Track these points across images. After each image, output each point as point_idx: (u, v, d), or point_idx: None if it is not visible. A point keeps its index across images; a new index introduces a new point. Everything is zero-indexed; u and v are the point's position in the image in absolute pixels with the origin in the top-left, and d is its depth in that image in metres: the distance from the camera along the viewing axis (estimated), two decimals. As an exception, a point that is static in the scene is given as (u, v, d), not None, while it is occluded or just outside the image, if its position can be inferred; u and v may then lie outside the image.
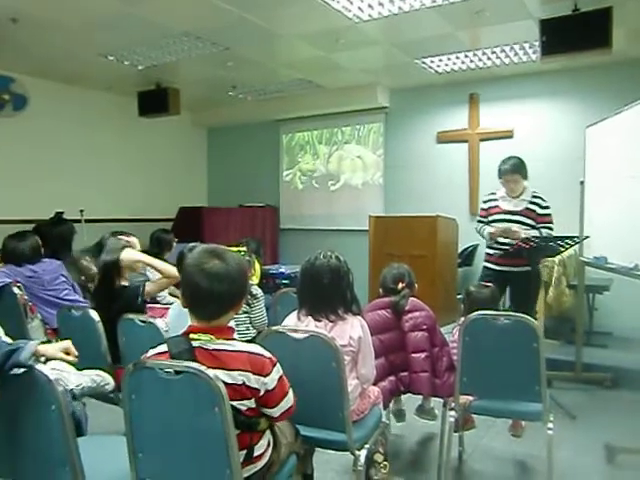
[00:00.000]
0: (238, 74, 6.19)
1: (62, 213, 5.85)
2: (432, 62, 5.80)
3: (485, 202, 4.40)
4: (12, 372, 1.71)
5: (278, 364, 1.77)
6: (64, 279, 3.65)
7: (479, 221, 4.41)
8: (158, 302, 3.38)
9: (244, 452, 1.75)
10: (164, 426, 1.74)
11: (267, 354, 1.75)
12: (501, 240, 4.12)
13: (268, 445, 1.87)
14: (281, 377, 1.78)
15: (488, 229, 4.25)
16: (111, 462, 1.90)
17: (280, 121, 7.78)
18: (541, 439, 2.65)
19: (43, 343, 2.04)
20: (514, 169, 4.16)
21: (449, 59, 5.69)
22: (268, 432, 1.88)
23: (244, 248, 4.62)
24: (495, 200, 4.31)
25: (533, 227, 4.13)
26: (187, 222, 6.99)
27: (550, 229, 4.14)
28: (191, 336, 1.75)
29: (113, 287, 2.95)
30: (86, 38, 5.04)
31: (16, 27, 4.75)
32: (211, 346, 1.72)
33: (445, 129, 6.68)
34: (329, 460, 2.82)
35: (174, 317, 2.67)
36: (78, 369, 2.37)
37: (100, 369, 2.48)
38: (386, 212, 6.89)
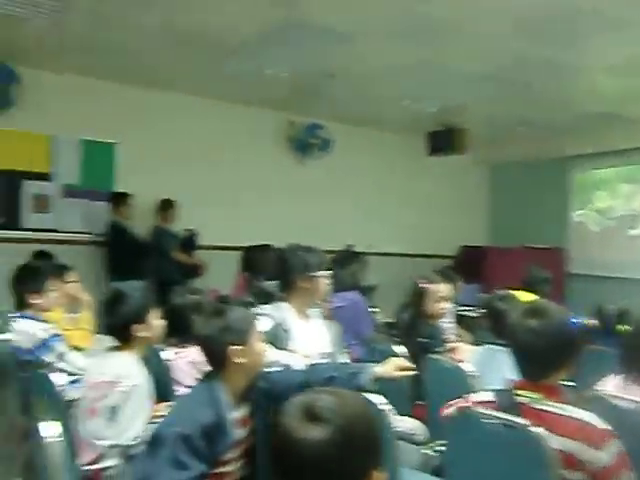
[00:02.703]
0: (531, 110, 6.07)
1: (353, 246, 6.46)
2: None
3: None
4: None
5: (616, 439, 1.60)
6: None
7: None
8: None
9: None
10: (484, 475, 1.74)
11: (602, 425, 1.60)
12: None
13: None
14: (621, 453, 1.59)
15: None
16: None
17: (572, 157, 7.31)
18: None
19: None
20: None
21: None
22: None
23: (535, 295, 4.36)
24: None
25: None
26: (467, 261, 7.00)
27: None
28: (517, 392, 1.74)
29: (421, 320, 3.14)
30: (389, 86, 5.53)
31: (332, 82, 5.46)
32: (540, 406, 1.67)
33: None
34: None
35: (482, 362, 2.70)
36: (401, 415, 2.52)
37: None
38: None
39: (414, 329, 3.16)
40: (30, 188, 5.43)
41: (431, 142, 6.77)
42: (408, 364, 2.03)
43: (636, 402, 2.00)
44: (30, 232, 5.36)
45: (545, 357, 1.72)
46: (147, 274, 5.56)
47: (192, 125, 6.03)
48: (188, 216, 5.82)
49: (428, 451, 2.65)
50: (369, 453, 0.97)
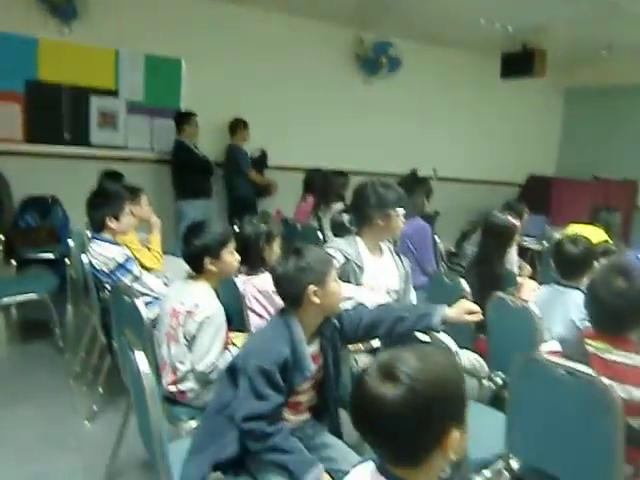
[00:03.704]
0: (617, 31, 5.57)
1: (416, 170, 6.35)
2: None
3: None
4: (418, 337, 1.94)
5: None
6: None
7: None
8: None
9: (631, 468, 1.74)
10: (545, 417, 1.82)
11: None
12: None
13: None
14: None
15: None
16: (485, 430, 2.03)
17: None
18: None
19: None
20: None
21: None
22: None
23: (601, 231, 4.20)
24: None
25: None
26: (534, 191, 6.78)
27: None
28: (587, 341, 1.79)
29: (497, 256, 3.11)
30: (466, 3, 5.17)
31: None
32: (608, 356, 1.73)
33: None
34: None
35: (546, 301, 2.68)
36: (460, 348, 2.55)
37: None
38: None
39: (487, 264, 3.11)
40: (96, 104, 5.45)
41: (506, 64, 6.34)
42: (477, 307, 2.03)
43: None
44: (98, 149, 5.45)
45: (625, 317, 1.77)
46: (217, 193, 5.69)
47: (259, 40, 5.85)
48: (254, 133, 5.77)
49: (486, 383, 2.73)
50: (442, 414, 1.01)
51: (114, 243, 2.96)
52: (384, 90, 6.62)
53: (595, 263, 2.69)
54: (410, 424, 0.99)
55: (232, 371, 1.77)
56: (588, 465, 1.74)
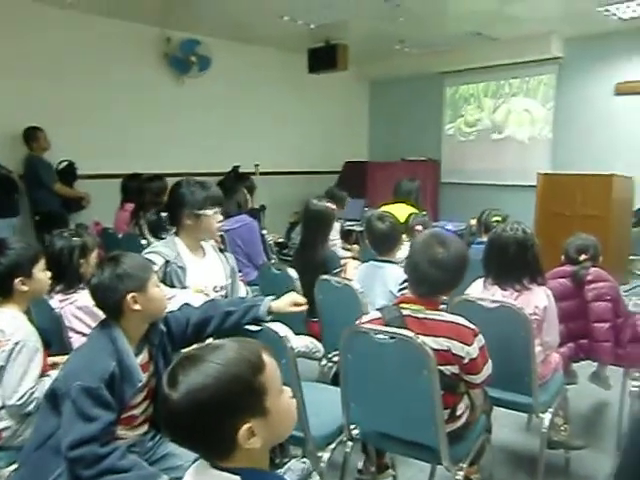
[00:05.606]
0: (407, 29, 6.14)
1: (238, 167, 6.40)
2: (617, 9, 5.29)
3: None
4: (249, 328, 1.97)
5: (480, 335, 1.90)
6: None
7: None
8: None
9: (448, 411, 1.94)
10: (375, 382, 1.97)
11: (470, 325, 1.89)
12: None
13: (466, 407, 2.04)
14: (482, 347, 1.91)
15: None
16: (327, 407, 2.16)
17: (444, 74, 7.61)
18: None
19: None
20: None
21: (638, 5, 5.14)
22: (466, 395, 2.04)
23: (410, 207, 4.59)
24: None
25: None
26: (352, 176, 7.20)
27: None
28: (402, 305, 1.97)
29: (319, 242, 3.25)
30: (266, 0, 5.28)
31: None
32: (420, 315, 1.92)
33: (625, 80, 6.13)
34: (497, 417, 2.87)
35: (367, 277, 2.88)
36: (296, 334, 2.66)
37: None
38: (554, 169, 6.56)
39: (311, 250, 3.23)
40: None
41: (312, 59, 6.65)
42: (302, 299, 2.11)
43: (494, 302, 2.33)
44: None
45: (438, 285, 1.95)
46: (22, 210, 5.16)
47: (58, 41, 5.41)
48: (59, 141, 5.35)
49: (325, 363, 2.86)
50: (226, 412, 1.00)
51: None
52: (196, 89, 6.54)
53: (403, 236, 2.93)
54: (192, 424, 0.99)
55: (53, 397, 1.63)
56: (414, 417, 1.92)
